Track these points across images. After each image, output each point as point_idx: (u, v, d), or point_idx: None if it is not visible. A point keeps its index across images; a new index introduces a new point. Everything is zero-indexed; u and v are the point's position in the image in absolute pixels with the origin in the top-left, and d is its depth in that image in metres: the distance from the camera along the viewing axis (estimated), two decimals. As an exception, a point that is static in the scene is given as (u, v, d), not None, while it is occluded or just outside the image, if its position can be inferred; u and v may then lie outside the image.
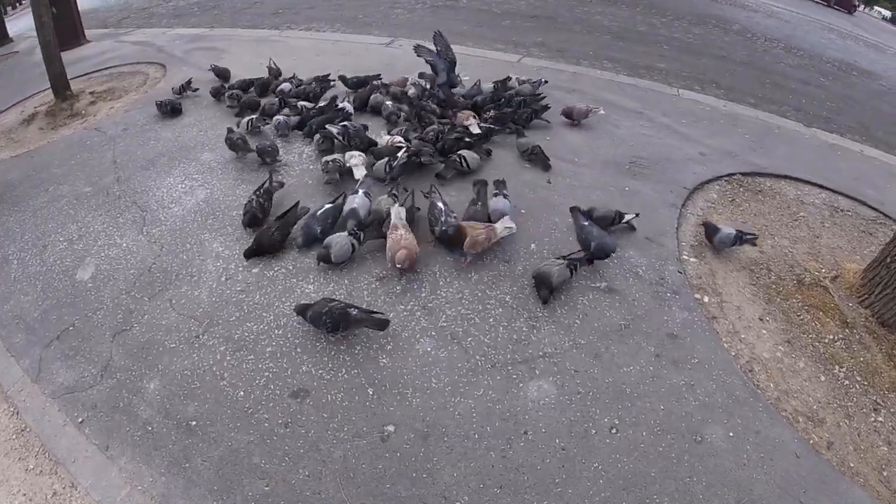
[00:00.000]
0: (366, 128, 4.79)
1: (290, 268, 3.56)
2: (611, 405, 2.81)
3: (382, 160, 4.29)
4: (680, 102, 6.06)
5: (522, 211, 3.84)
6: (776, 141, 5.67)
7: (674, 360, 3.01)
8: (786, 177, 4.93)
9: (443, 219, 3.51)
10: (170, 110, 5.40)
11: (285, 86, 5.75)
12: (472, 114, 4.85)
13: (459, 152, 4.34)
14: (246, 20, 9.89)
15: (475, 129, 4.67)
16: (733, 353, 3.08)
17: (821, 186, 4.92)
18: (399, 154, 4.28)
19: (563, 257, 3.40)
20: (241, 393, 2.91)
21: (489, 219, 3.65)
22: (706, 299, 3.39)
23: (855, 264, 3.95)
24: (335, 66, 6.35)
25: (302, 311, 3.11)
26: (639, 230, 3.80)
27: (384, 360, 3.03)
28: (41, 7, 6.11)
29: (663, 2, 12.69)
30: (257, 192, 3.98)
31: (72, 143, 5.36)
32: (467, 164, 4.27)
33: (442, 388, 2.90)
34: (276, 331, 3.21)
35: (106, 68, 7.43)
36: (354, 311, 3.09)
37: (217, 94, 5.77)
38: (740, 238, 3.72)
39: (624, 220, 3.70)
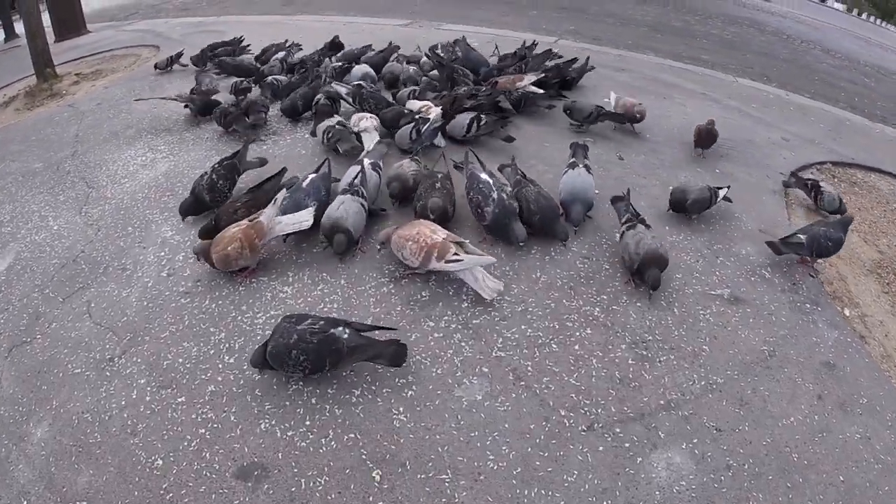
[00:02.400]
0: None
1: (261, 259, 2.70)
2: (776, 483, 1.95)
3: (406, 126, 3.52)
4: (741, 88, 5.53)
5: (597, 192, 3.04)
6: (851, 133, 5.15)
7: (840, 403, 2.26)
8: (876, 170, 4.39)
9: (494, 195, 2.69)
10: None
11: (282, 54, 5.19)
12: (520, 77, 4.15)
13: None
14: (256, 10, 9.47)
15: (530, 87, 4.01)
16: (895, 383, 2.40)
17: None
18: (432, 116, 3.53)
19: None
20: (160, 461, 1.96)
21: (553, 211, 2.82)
22: (847, 312, 2.73)
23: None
24: (348, 45, 5.81)
25: (260, 359, 2.06)
26: (748, 221, 3.15)
27: (401, 417, 2.02)
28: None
29: (693, 2, 12.26)
30: (215, 167, 3.11)
31: (39, 121, 4.85)
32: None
33: (507, 469, 1.88)
34: (227, 358, 2.26)
35: (98, 53, 6.97)
36: (347, 334, 2.04)
37: (200, 61, 5.32)
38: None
39: (720, 198, 3.04)
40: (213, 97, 4.35)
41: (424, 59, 4.83)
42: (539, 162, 3.46)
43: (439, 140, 3.62)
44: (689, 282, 2.68)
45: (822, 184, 3.45)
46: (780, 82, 6.79)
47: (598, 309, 2.48)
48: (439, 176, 2.93)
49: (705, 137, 3.64)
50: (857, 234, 3.39)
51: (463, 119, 3.57)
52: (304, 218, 2.63)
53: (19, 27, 9.84)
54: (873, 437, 2.15)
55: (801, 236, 2.75)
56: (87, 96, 5.24)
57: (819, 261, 2.94)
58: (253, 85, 4.71)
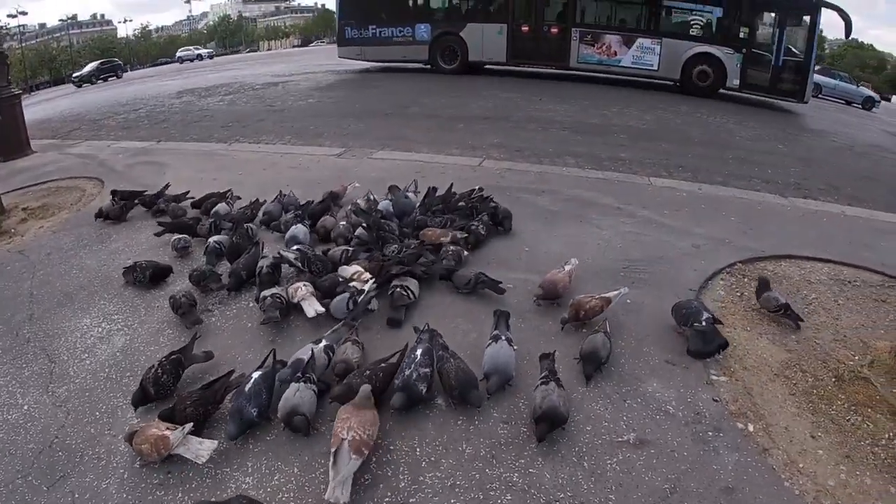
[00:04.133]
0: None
1: (222, 447, 2.82)
2: None
3: (342, 295, 3.67)
4: (655, 192, 5.99)
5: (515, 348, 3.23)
6: (762, 219, 5.61)
7: (741, 526, 2.43)
8: (786, 256, 4.77)
9: (406, 373, 2.93)
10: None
11: (220, 206, 5.34)
12: (447, 232, 4.45)
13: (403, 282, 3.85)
14: (195, 133, 9.93)
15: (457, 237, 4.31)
16: (797, 492, 2.61)
17: (821, 260, 4.78)
18: (367, 285, 3.72)
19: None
20: None
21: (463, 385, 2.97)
22: (751, 427, 2.94)
23: (884, 342, 3.70)
24: (284, 180, 6.18)
25: None
26: (655, 352, 3.39)
27: None
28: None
29: (609, 94, 13.27)
30: (162, 361, 3.25)
31: (-8, 268, 4.86)
32: (413, 294, 3.80)
33: None
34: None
35: (44, 182, 7.14)
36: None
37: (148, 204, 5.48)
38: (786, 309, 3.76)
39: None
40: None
41: (354, 216, 5.02)
42: (464, 321, 3.69)
43: (373, 304, 3.83)
44: (599, 431, 2.86)
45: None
46: (695, 170, 7.39)
47: (516, 474, 2.63)
48: (382, 365, 3.12)
49: (582, 318, 3.60)
50: (765, 338, 3.66)
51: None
52: (203, 454, 2.78)
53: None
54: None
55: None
56: (37, 242, 5.31)
57: (724, 379, 3.21)
58: (191, 244, 4.84)
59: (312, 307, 3.61)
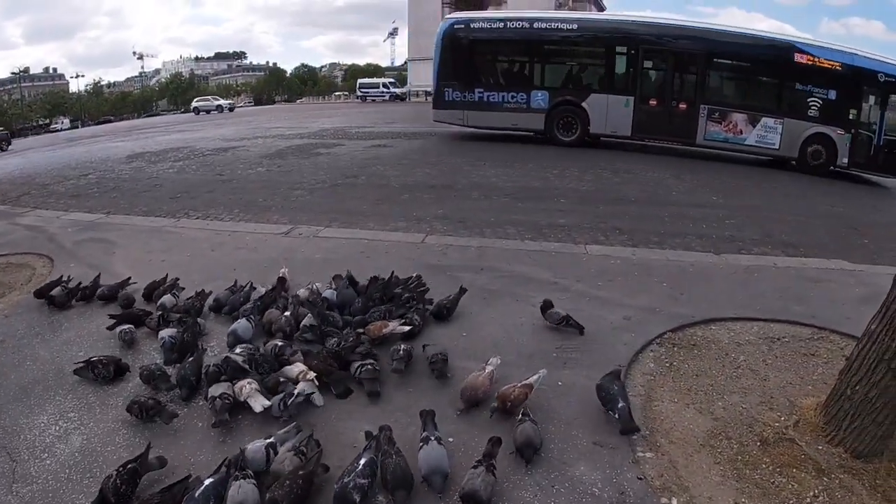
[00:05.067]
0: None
1: None
2: None
3: (277, 396, 3.76)
4: (590, 261, 6.25)
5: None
6: (694, 281, 5.87)
7: None
8: (715, 320, 4.98)
9: (345, 479, 2.99)
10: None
11: (167, 298, 5.32)
12: (386, 323, 4.59)
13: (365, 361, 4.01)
14: (144, 204, 9.97)
15: (397, 329, 4.42)
16: (720, 560, 2.75)
17: (751, 319, 5.02)
18: (297, 388, 3.81)
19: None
20: None
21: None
22: (675, 501, 3.08)
23: (811, 399, 3.89)
24: (231, 262, 6.28)
25: None
26: (584, 434, 3.53)
27: None
28: None
29: (550, 154, 13.82)
30: (119, 470, 3.24)
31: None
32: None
33: None
34: None
35: None
36: None
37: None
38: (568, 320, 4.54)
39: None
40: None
41: (298, 307, 5.08)
42: (403, 414, 3.75)
43: (318, 399, 3.90)
44: (524, 529, 2.94)
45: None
46: (631, 232, 7.74)
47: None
48: (300, 473, 3.18)
49: (509, 409, 3.66)
50: (692, 408, 3.82)
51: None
52: None
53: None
54: None
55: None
56: (-10, 325, 5.22)
57: (650, 455, 3.36)
58: (136, 335, 4.81)
59: (259, 403, 3.70)
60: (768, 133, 15.01)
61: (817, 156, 14.74)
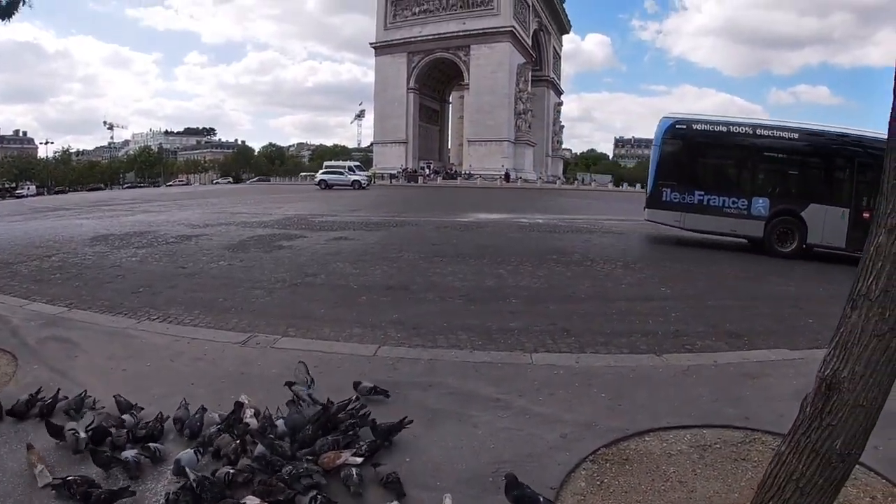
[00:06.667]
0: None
1: None
2: None
3: None
4: (535, 372, 6.58)
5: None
6: (634, 388, 6.19)
7: None
8: (649, 431, 5.27)
9: None
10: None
11: (128, 419, 5.34)
12: (339, 454, 4.80)
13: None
14: (106, 297, 10.13)
15: (350, 459, 4.57)
16: None
17: (684, 427, 5.31)
18: None
19: None
20: None
21: None
22: None
23: (735, 508, 4.12)
24: (190, 374, 6.40)
25: None
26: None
27: None
28: None
29: (507, 246, 14.41)
30: None
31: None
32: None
33: None
34: None
35: None
36: None
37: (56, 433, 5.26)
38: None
39: None
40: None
41: (249, 415, 5.27)
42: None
43: None
44: None
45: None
46: (579, 334, 8.16)
47: None
48: None
49: None
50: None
51: None
52: None
53: None
54: None
55: None
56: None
57: None
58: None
59: None
60: None
61: None
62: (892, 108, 3.42)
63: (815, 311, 9.80)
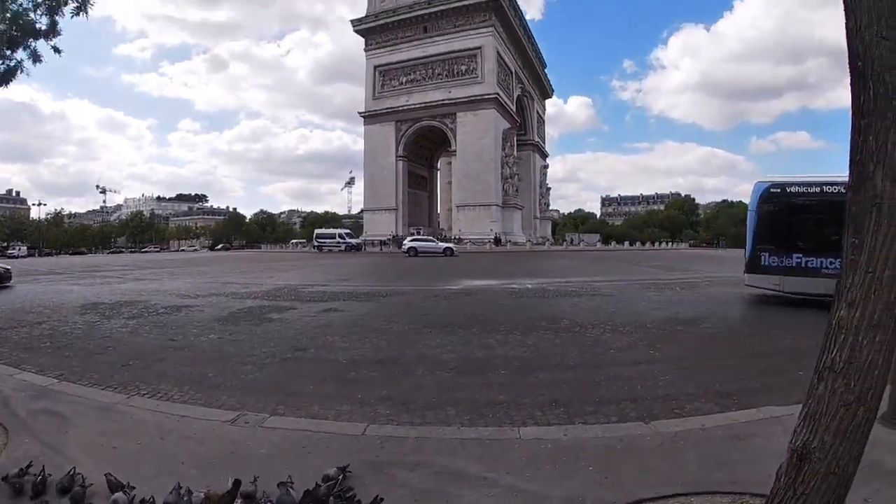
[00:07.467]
0: None
1: None
2: None
3: None
4: (522, 448, 6.59)
5: None
6: (621, 459, 6.20)
7: None
8: (637, 502, 5.24)
9: None
10: None
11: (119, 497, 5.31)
12: None
13: None
14: (97, 369, 10.09)
15: None
16: None
17: (671, 496, 5.30)
18: None
19: None
20: None
21: None
22: None
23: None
24: (180, 455, 6.31)
25: None
26: None
27: None
28: None
29: (496, 315, 14.53)
30: None
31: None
32: None
33: None
34: None
35: None
36: None
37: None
38: None
39: None
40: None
41: None
42: None
43: None
44: None
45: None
46: (567, 403, 8.18)
47: None
48: None
49: None
50: None
51: None
52: None
53: None
54: None
55: None
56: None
57: None
58: None
59: None
60: None
61: None
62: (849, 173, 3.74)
63: (805, 362, 9.86)
